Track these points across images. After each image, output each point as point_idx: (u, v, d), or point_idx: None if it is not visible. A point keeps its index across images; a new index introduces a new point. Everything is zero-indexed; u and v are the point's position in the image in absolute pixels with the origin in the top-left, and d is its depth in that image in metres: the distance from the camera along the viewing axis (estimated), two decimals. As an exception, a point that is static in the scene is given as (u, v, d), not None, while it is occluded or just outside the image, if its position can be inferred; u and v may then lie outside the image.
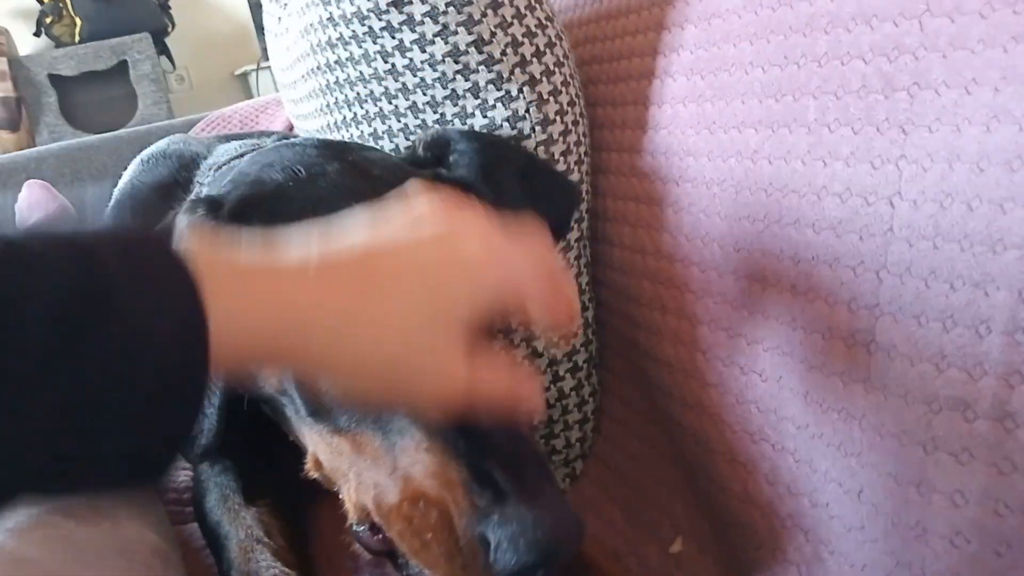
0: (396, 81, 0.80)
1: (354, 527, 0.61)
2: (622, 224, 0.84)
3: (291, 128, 1.70)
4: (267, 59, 3.96)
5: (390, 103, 0.83)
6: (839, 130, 0.59)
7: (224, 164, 0.88)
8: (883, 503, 0.54)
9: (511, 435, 0.55)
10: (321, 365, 0.44)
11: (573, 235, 0.83)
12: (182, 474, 1.05)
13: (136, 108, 3.75)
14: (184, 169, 1.03)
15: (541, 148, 0.78)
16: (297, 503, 0.85)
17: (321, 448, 0.63)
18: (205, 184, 0.87)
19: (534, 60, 0.78)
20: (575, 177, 0.81)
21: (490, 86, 0.76)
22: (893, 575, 0.53)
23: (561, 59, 0.80)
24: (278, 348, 0.41)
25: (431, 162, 0.74)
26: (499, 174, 0.72)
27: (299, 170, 0.68)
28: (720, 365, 0.70)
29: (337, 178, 0.68)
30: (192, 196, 0.86)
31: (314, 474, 0.65)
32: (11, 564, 0.54)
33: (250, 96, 3.66)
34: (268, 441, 0.72)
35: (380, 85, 0.82)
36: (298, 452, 0.69)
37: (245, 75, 4.04)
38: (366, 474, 0.59)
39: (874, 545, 0.55)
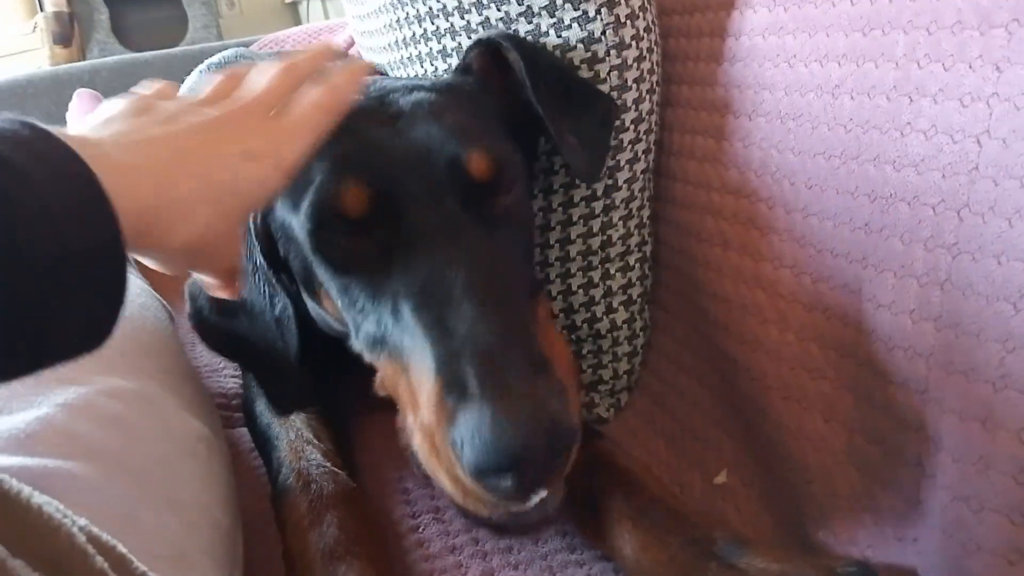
0: (472, -5, 0.80)
1: (412, 449, 0.62)
2: (688, 158, 0.83)
3: (349, 48, 1.69)
4: (319, -12, 3.93)
5: (462, 18, 0.82)
6: (929, 66, 0.58)
7: None
8: (944, 439, 0.54)
9: (498, 329, 0.55)
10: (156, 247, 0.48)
11: (639, 166, 0.82)
12: (230, 380, 1.07)
13: (186, 30, 3.75)
14: None
15: (615, 73, 0.77)
16: (345, 413, 0.87)
17: (382, 370, 0.65)
18: None
19: (613, -18, 0.76)
20: (645, 107, 0.80)
21: (567, 5, 0.75)
22: (948, 509, 0.53)
23: (640, -17, 0.79)
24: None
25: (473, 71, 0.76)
26: (544, 85, 0.73)
27: None
28: (782, 302, 0.70)
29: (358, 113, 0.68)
30: None
31: (381, 392, 0.67)
32: (61, 435, 0.55)
33: (299, 25, 3.64)
34: (316, 356, 0.74)
35: None
36: (345, 367, 0.71)
37: (295, 3, 4.02)
38: (404, 395, 0.61)
39: (930, 481, 0.55)
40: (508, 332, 0.55)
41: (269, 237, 0.70)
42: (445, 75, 0.77)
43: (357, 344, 0.66)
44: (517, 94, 0.74)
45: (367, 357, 0.65)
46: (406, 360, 0.59)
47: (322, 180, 0.63)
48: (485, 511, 0.56)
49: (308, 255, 0.66)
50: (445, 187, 0.62)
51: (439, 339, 0.56)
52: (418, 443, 0.57)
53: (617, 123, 0.79)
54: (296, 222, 0.66)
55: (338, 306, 0.66)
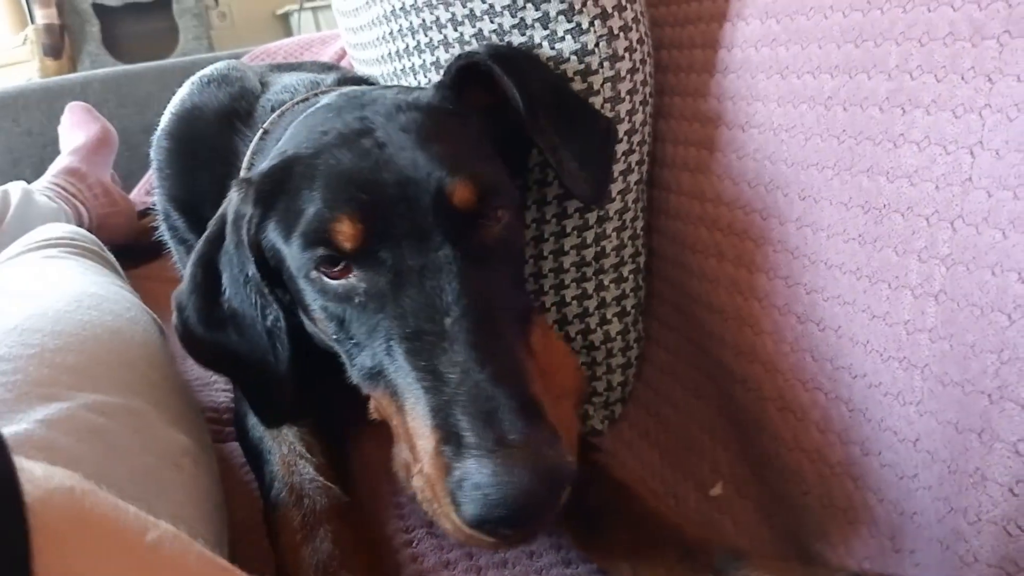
0: (464, 7, 0.79)
1: (410, 487, 0.61)
2: (681, 170, 0.83)
3: (340, 60, 1.69)
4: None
5: (455, 31, 0.82)
6: (921, 77, 0.58)
7: (288, 108, 0.89)
8: (940, 451, 0.54)
9: (489, 375, 0.55)
10: None
11: (633, 177, 0.82)
12: (222, 394, 1.06)
13: (177, 42, 3.76)
14: (243, 98, 1.03)
15: (608, 85, 0.77)
16: (338, 425, 0.87)
17: (378, 402, 0.65)
18: (265, 127, 0.88)
19: (606, -6, 0.76)
20: (639, 118, 0.80)
21: (560, 17, 0.75)
22: (945, 521, 0.53)
23: (633, -5, 0.79)
24: None
25: (456, 87, 0.75)
26: (541, 112, 0.72)
27: (323, 132, 0.70)
28: (776, 313, 0.70)
29: (340, 139, 0.68)
30: (256, 139, 0.87)
31: (376, 417, 0.67)
32: (40, 452, 0.54)
33: (290, 36, 3.64)
34: (309, 367, 0.73)
35: (447, 11, 0.81)
36: (338, 378, 0.70)
37: (287, 15, 4.03)
38: (401, 433, 0.61)
39: (927, 492, 0.55)
40: (500, 378, 0.55)
41: (260, 251, 0.70)
42: (430, 86, 0.77)
43: (353, 374, 0.66)
44: (506, 109, 0.73)
45: (363, 388, 0.66)
46: (401, 401, 0.59)
47: (314, 212, 0.63)
48: (487, 549, 0.58)
49: (301, 284, 0.67)
50: (432, 221, 0.62)
51: (432, 387, 0.56)
52: (418, 487, 0.57)
53: (610, 135, 0.79)
54: (288, 251, 0.66)
55: (332, 337, 0.66)
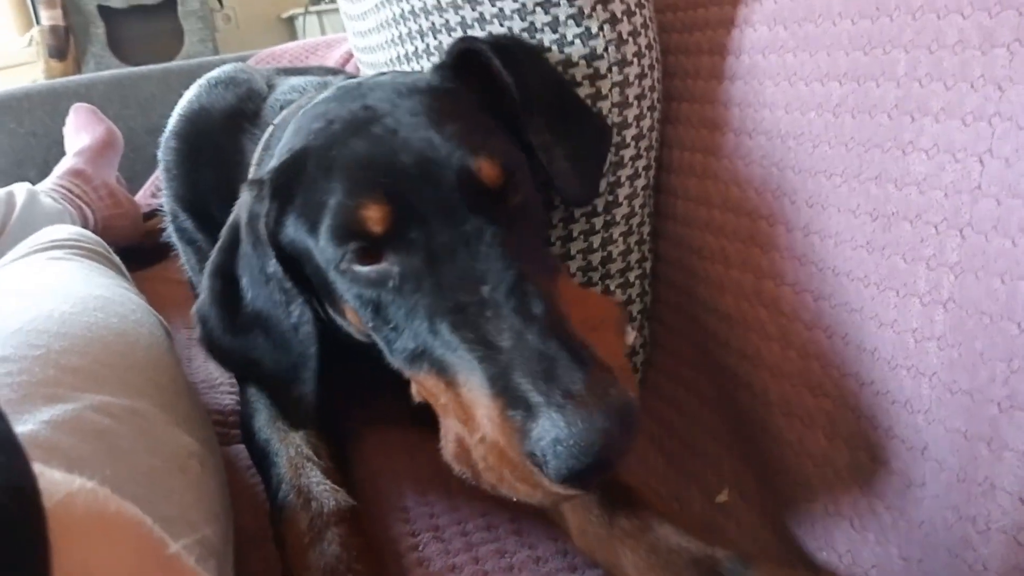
0: (474, 11, 0.80)
1: (471, 459, 0.61)
2: (688, 175, 0.83)
3: (345, 63, 1.70)
4: (315, 3, 3.95)
5: (465, 34, 0.82)
6: (930, 85, 0.58)
7: (296, 106, 0.89)
8: (949, 459, 0.54)
9: (542, 328, 0.55)
10: None
11: (640, 182, 0.83)
12: (227, 396, 1.07)
13: (182, 44, 3.77)
14: (251, 99, 1.03)
15: (616, 89, 0.77)
16: (342, 431, 0.87)
17: (423, 383, 0.65)
18: (274, 123, 0.88)
19: (615, -2, 0.76)
20: (646, 123, 0.80)
21: (570, 21, 0.75)
22: (954, 529, 0.53)
23: (642, 0, 0.79)
24: None
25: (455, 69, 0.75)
26: (536, 109, 0.73)
27: (329, 122, 0.70)
28: (783, 320, 0.70)
29: (350, 129, 0.68)
30: (266, 136, 0.87)
31: (419, 399, 0.66)
32: (43, 452, 0.54)
33: (296, 40, 3.65)
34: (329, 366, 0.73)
35: (457, 15, 0.82)
36: (343, 381, 0.70)
37: (292, 19, 4.04)
38: (452, 408, 0.61)
39: (935, 500, 0.55)
40: (551, 335, 0.55)
41: (279, 247, 0.70)
42: (428, 68, 0.76)
43: (394, 360, 0.66)
44: (502, 101, 0.73)
45: (407, 372, 0.65)
46: (452, 376, 0.59)
47: (339, 201, 0.64)
48: (563, 501, 0.61)
49: (331, 276, 0.66)
50: (459, 198, 0.62)
51: (486, 356, 0.56)
52: (480, 455, 0.57)
53: (618, 139, 0.79)
54: (314, 244, 0.66)
55: (367, 324, 0.66)
